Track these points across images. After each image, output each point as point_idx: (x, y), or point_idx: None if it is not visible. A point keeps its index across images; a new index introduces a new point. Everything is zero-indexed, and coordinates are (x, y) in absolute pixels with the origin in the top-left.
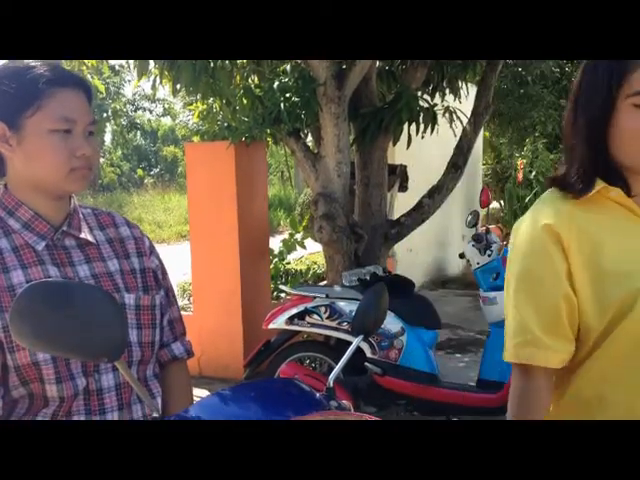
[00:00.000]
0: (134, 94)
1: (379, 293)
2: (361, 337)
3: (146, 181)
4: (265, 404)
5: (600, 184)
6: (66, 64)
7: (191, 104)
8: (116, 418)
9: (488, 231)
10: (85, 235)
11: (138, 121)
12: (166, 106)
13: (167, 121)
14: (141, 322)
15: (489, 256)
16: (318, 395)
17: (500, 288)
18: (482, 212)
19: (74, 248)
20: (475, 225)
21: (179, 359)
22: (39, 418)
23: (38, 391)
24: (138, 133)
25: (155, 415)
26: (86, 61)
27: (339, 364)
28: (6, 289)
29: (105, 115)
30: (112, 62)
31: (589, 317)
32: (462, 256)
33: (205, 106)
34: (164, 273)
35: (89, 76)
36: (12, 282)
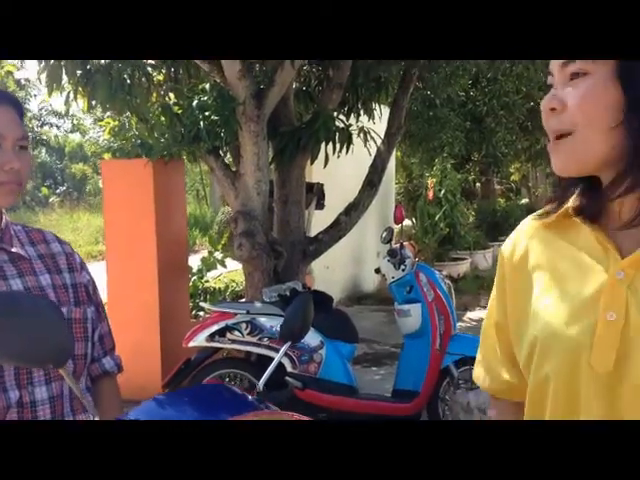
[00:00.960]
0: (40, 109)
1: (305, 302)
2: (289, 344)
3: (52, 200)
4: (200, 407)
5: (571, 202)
6: None
7: (102, 120)
8: None
9: (402, 246)
10: (17, 250)
11: (44, 137)
12: (75, 122)
13: (75, 137)
14: (73, 335)
15: (403, 270)
16: (250, 398)
17: (413, 301)
18: (396, 229)
19: (6, 262)
20: (390, 241)
21: (110, 373)
22: None
23: None
24: (43, 150)
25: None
26: None
27: (269, 368)
28: None
29: None
30: (18, 76)
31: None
32: (378, 271)
33: (117, 122)
34: (95, 288)
35: None
36: None
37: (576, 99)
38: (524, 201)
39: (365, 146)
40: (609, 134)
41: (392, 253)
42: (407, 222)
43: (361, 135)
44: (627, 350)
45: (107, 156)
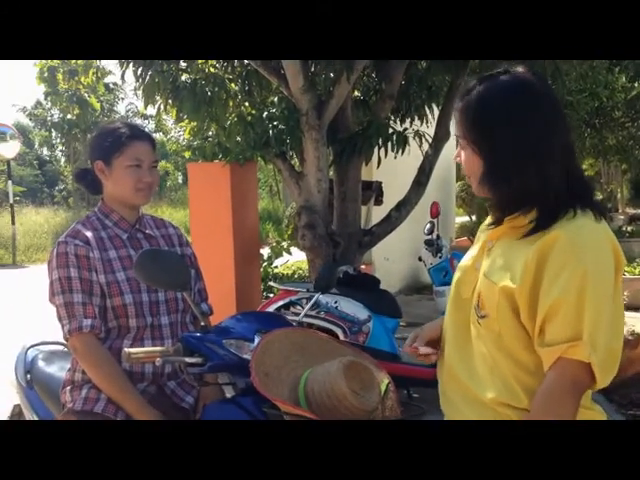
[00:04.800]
0: (127, 111)
1: (330, 268)
2: (319, 293)
3: None
4: (264, 321)
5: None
6: (62, 82)
7: (182, 121)
8: (170, 344)
9: (439, 237)
10: (149, 231)
11: None
12: (158, 122)
13: (158, 136)
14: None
15: (440, 257)
16: (295, 324)
17: (448, 283)
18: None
19: (143, 239)
20: (431, 233)
21: (205, 313)
22: (125, 341)
23: (124, 323)
24: None
25: (202, 324)
26: (82, 80)
27: (307, 306)
28: (106, 261)
29: None
30: (106, 81)
31: None
32: (420, 259)
33: (196, 123)
34: (195, 258)
35: (85, 94)
36: (109, 257)
37: (463, 161)
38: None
39: (420, 148)
40: (479, 182)
41: (429, 242)
42: (467, 218)
43: (416, 138)
44: (477, 285)
45: (187, 154)
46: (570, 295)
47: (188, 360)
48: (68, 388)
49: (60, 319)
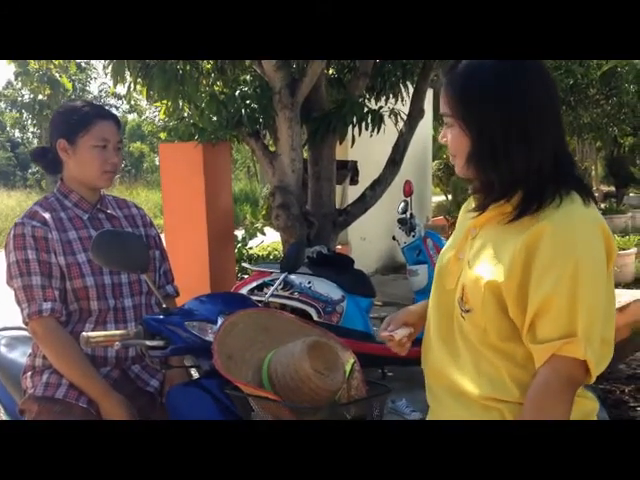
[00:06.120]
0: (100, 91)
1: (298, 247)
2: (286, 273)
3: None
4: (228, 303)
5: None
6: (33, 61)
7: (157, 101)
8: (133, 327)
9: (412, 216)
10: (111, 211)
11: None
12: (132, 103)
13: (133, 117)
14: (150, 255)
15: (413, 236)
16: (260, 305)
17: (421, 262)
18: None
19: (104, 219)
20: (405, 211)
21: (170, 296)
22: (87, 325)
23: (85, 306)
24: None
25: (164, 306)
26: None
27: (273, 287)
28: (65, 242)
29: None
30: (78, 60)
31: None
32: (394, 238)
33: (170, 104)
34: (160, 238)
35: (57, 74)
36: (69, 238)
37: (449, 141)
38: None
39: (395, 127)
40: (466, 162)
41: (402, 221)
42: (443, 197)
43: (392, 117)
44: (461, 276)
45: (163, 135)
46: (563, 289)
47: (149, 343)
48: (29, 374)
49: (19, 303)
